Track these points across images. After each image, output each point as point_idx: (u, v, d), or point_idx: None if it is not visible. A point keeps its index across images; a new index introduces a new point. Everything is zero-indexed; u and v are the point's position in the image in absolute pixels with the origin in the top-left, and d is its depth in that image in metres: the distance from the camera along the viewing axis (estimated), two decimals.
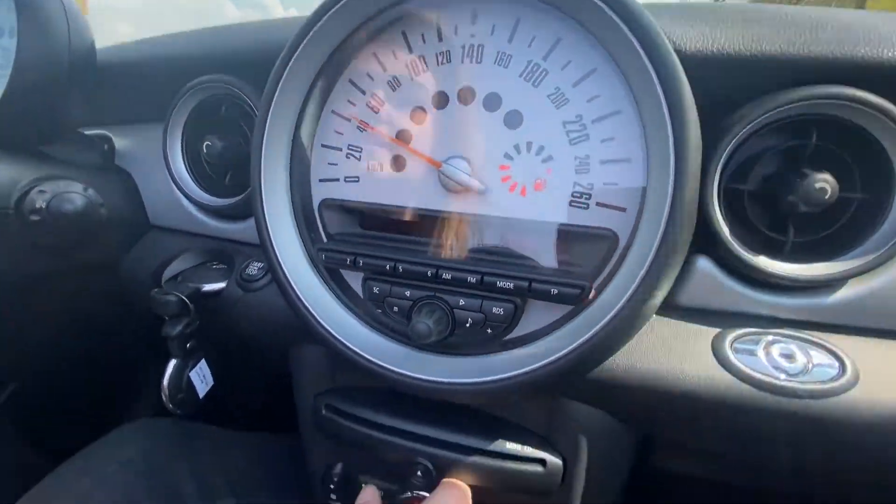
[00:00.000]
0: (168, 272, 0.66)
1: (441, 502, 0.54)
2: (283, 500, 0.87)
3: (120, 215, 0.71)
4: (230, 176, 0.68)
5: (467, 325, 0.50)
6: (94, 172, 0.72)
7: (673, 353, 0.47)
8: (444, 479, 0.57)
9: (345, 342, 0.52)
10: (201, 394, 0.65)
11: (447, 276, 0.50)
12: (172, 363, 0.62)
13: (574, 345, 0.44)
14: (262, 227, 0.56)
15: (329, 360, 0.62)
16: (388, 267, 0.52)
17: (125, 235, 0.72)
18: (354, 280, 0.56)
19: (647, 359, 0.47)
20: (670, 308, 0.50)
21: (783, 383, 0.43)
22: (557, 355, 0.45)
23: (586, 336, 0.44)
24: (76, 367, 0.83)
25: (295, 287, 0.55)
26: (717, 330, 0.48)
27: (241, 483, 0.80)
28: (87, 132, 0.80)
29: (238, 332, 0.64)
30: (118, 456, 0.69)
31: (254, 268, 0.63)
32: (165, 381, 0.61)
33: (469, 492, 0.55)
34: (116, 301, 0.74)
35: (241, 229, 0.68)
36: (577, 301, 0.47)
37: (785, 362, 0.45)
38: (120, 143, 0.79)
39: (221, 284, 0.63)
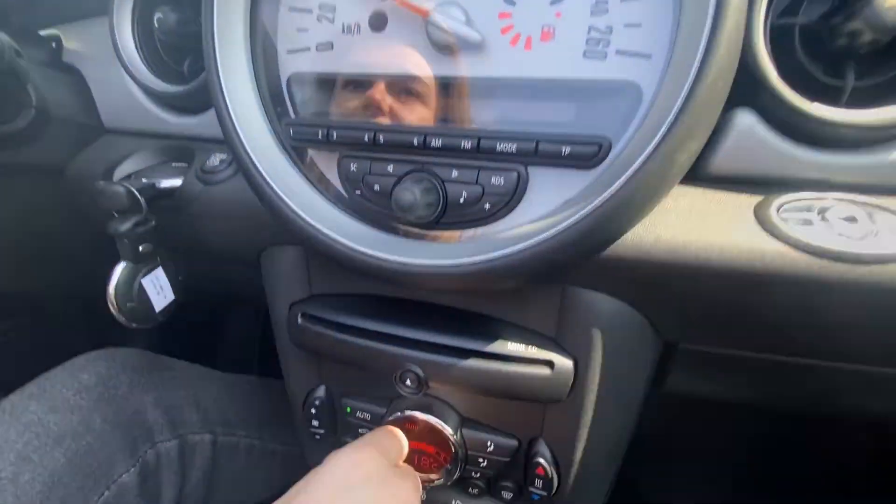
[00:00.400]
0: (119, 172, 0.57)
1: (372, 440, 0.48)
2: (265, 439, 0.81)
3: (67, 114, 0.62)
4: (188, 63, 0.59)
5: (461, 200, 0.42)
6: (38, 69, 0.63)
7: (708, 224, 0.40)
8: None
9: (318, 227, 0.44)
10: (157, 307, 0.57)
11: (437, 142, 0.42)
12: (121, 266, 0.54)
13: (585, 211, 0.36)
14: (220, 106, 0.48)
15: (304, 265, 0.55)
16: (366, 138, 0.44)
17: (74, 136, 0.64)
18: (330, 167, 0.48)
19: (676, 231, 0.40)
20: (701, 177, 0.42)
21: (844, 249, 0.36)
22: (566, 224, 0.37)
23: (599, 200, 0.36)
24: (29, 286, 0.75)
25: (261, 169, 0.46)
26: (760, 198, 0.40)
27: (218, 419, 0.74)
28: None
29: (201, 236, 0.57)
30: (73, 382, 0.62)
31: (216, 159, 0.55)
32: (112, 286, 0.53)
33: (404, 440, 0.50)
34: (68, 213, 0.66)
35: (203, 123, 0.59)
36: (593, 163, 0.39)
37: (845, 227, 0.37)
38: (70, 42, 0.70)
39: (179, 180, 0.55)
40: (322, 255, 0.46)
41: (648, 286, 0.42)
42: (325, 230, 0.44)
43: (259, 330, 1.29)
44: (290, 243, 0.53)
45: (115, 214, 0.52)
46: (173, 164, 0.59)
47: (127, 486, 0.61)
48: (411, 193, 0.40)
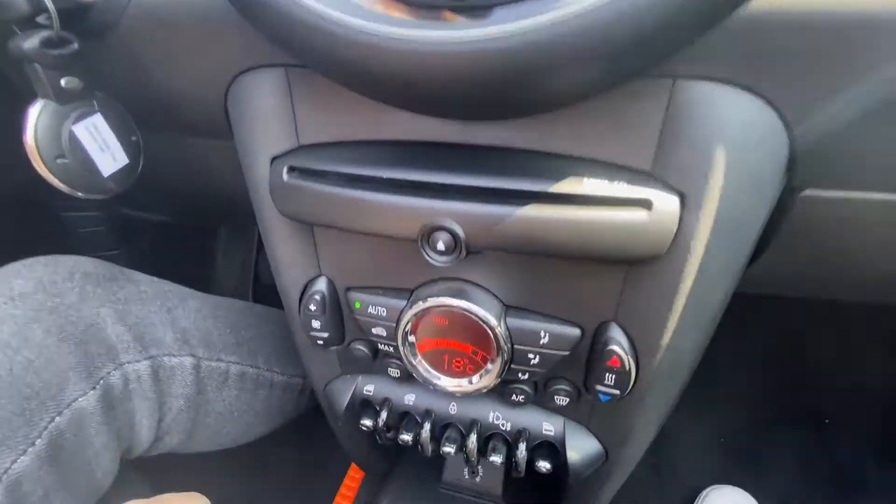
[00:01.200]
0: None
1: None
2: (260, 366, 0.69)
3: None
4: None
5: None
6: None
7: None
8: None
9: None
10: (104, 170, 0.42)
11: None
12: (38, 104, 0.39)
13: None
14: None
15: (287, 100, 0.40)
16: None
17: None
18: None
19: None
20: None
21: None
22: None
23: None
24: None
25: None
26: None
27: (200, 341, 0.60)
28: None
29: (138, 68, 0.41)
30: (4, 289, 0.48)
31: None
32: (29, 131, 0.38)
33: None
34: None
35: None
36: None
37: None
38: None
39: None
40: (309, 56, 0.31)
41: (815, 61, 0.28)
42: (314, 4, 0.29)
43: (252, 266, 1.16)
44: (267, 64, 0.38)
45: (18, 31, 0.36)
46: None
47: (86, 412, 0.49)
48: None
